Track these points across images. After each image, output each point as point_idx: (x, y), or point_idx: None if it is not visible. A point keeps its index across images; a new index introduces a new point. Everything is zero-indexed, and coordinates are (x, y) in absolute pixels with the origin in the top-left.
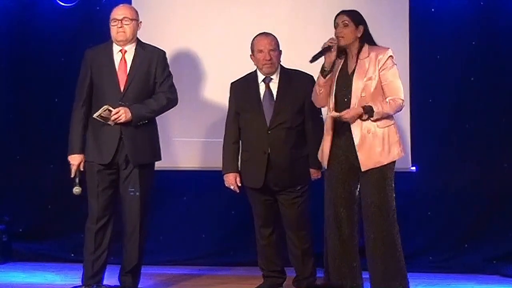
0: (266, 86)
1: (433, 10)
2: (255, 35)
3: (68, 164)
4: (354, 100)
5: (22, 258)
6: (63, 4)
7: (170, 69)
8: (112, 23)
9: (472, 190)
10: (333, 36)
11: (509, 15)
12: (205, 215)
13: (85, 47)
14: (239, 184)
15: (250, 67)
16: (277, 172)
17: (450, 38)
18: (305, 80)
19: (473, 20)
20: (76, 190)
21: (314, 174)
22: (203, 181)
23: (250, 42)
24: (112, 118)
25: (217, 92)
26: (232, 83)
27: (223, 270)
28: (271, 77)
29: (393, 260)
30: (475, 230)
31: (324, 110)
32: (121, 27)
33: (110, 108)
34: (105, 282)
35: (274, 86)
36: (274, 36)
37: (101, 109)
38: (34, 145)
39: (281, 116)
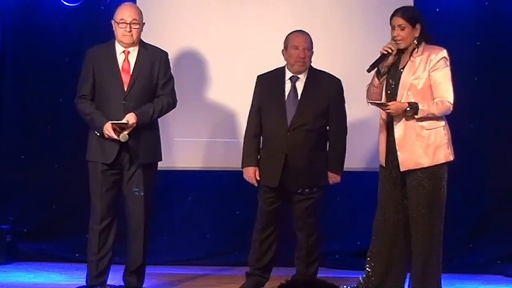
0: (292, 85)
1: (437, 10)
2: (291, 31)
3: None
4: (399, 98)
5: (26, 258)
6: (67, 4)
7: (172, 70)
8: (120, 25)
9: (476, 190)
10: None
11: None
12: (210, 215)
13: (89, 47)
14: (258, 178)
15: (252, 67)
16: (293, 172)
17: (455, 38)
18: (332, 83)
19: (477, 20)
20: (125, 135)
21: (333, 178)
22: (208, 181)
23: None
24: (127, 132)
25: (220, 92)
26: (258, 76)
27: (228, 270)
28: (298, 76)
29: (430, 265)
30: (480, 230)
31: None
32: (130, 31)
33: (117, 123)
34: (109, 282)
35: (300, 86)
36: (309, 35)
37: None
38: (38, 145)
39: (303, 117)
